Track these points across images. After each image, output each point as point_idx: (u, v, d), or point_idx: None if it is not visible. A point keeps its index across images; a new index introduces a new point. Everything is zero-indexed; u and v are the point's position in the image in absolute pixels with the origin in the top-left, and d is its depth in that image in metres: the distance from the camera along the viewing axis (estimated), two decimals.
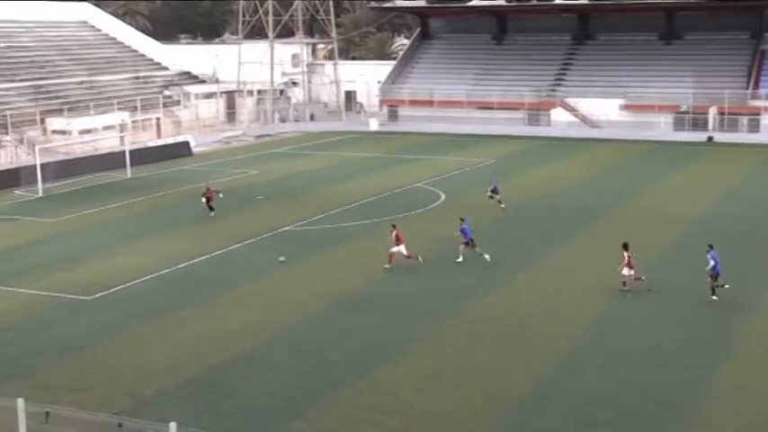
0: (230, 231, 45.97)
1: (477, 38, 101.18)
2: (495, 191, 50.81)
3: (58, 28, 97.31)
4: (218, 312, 33.07)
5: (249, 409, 24.41)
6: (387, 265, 38.24)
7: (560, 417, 23.83)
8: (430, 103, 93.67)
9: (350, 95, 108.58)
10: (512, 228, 46.80)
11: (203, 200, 49.88)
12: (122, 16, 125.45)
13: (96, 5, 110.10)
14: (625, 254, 34.29)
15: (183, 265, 39.57)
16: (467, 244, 39.22)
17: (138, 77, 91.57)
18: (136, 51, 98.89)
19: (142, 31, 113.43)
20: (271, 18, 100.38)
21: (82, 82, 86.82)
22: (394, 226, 39.48)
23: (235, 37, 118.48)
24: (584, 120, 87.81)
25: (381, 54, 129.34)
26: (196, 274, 38.45)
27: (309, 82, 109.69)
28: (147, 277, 37.69)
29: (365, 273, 37.96)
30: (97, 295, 35.15)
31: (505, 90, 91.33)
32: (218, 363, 27.85)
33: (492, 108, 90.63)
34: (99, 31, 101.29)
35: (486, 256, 38.90)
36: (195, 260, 40.34)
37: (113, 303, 34.30)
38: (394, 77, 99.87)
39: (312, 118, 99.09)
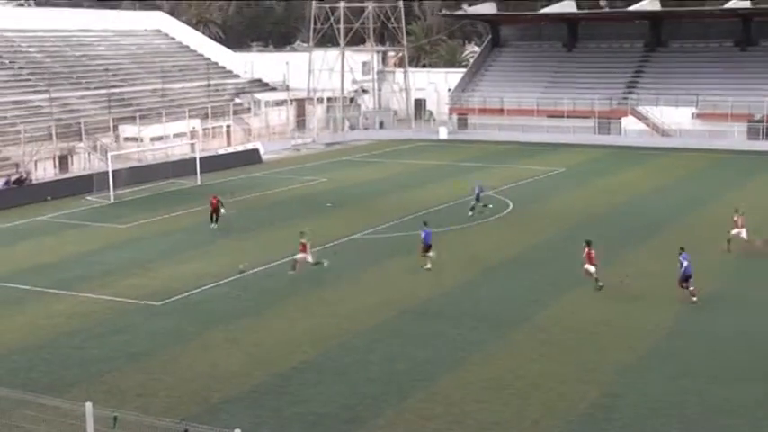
0: (298, 239, 45.93)
1: (548, 45, 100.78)
2: (477, 198, 51.44)
3: (133, 37, 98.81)
4: (285, 320, 33.13)
5: (314, 417, 24.37)
6: (291, 272, 38.72)
7: (623, 428, 23.46)
8: (500, 112, 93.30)
9: (419, 103, 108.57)
10: (582, 236, 46.12)
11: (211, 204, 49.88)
12: (195, 25, 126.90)
13: (170, 14, 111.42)
14: (587, 250, 35.58)
15: (250, 272, 39.73)
16: (424, 249, 39.41)
17: (209, 85, 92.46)
18: (208, 59, 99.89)
19: (215, 40, 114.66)
20: (342, 26, 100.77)
21: (154, 90, 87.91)
22: (302, 233, 39.57)
23: (306, 45, 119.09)
24: (655, 128, 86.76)
25: (452, 62, 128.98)
26: (263, 281, 38.60)
27: (379, 90, 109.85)
28: (215, 284, 37.95)
29: (434, 281, 37.82)
30: (166, 301, 35.49)
31: (576, 98, 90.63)
32: (283, 370, 27.89)
33: (562, 116, 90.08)
34: (172, 39, 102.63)
35: (429, 266, 39.14)
36: (262, 267, 40.51)
37: (181, 309, 34.58)
38: (464, 85, 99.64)
39: (381, 126, 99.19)
